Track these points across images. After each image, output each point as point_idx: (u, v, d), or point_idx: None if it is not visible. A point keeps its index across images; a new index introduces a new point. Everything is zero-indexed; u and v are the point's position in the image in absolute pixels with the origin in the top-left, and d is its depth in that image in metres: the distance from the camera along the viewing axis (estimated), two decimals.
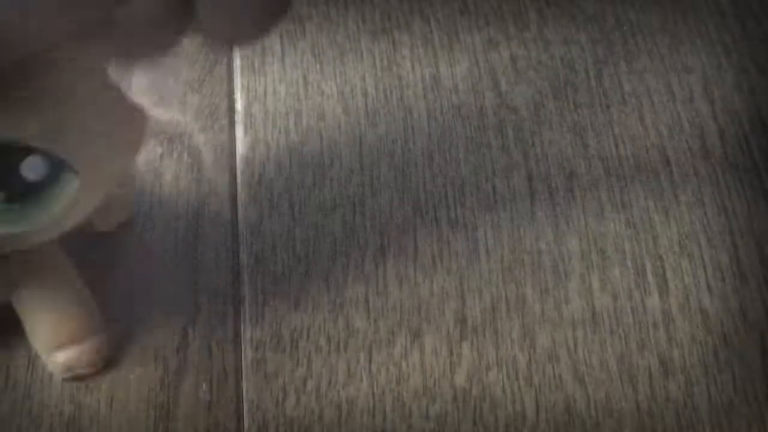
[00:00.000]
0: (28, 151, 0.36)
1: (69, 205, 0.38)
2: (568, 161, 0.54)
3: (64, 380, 0.46)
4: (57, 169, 0.37)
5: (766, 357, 0.48)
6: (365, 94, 0.56)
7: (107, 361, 0.46)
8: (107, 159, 0.39)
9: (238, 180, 0.53)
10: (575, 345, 0.48)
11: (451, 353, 0.48)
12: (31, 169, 0.37)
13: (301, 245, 0.51)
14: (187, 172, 0.53)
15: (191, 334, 0.48)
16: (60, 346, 0.45)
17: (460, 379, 0.47)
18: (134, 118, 0.39)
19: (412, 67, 0.58)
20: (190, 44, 0.58)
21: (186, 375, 0.47)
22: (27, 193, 0.37)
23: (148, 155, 0.54)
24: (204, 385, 0.47)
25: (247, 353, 0.48)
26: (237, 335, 0.48)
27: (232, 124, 0.55)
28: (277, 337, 0.48)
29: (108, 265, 0.50)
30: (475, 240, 0.51)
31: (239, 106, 0.56)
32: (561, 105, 0.55)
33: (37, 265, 0.43)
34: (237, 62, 0.58)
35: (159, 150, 0.54)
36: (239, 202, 0.52)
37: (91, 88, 0.37)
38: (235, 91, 0.57)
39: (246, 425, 0.46)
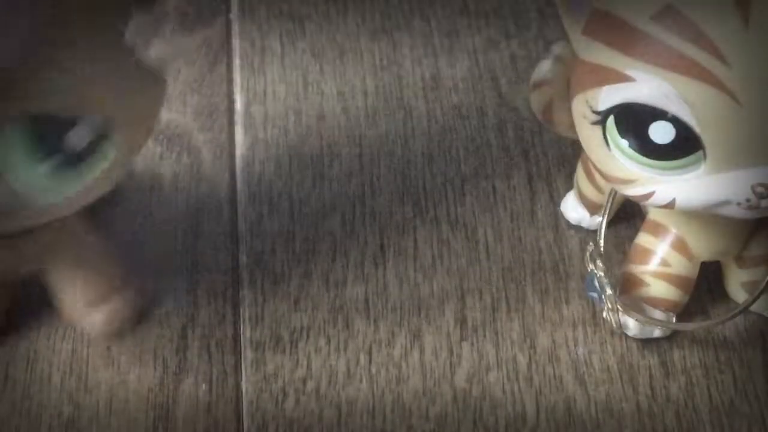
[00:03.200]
0: (73, 120, 0.38)
1: (106, 171, 0.40)
2: (568, 161, 0.54)
3: (104, 338, 0.47)
4: (98, 136, 0.39)
5: (767, 357, 0.48)
6: (365, 94, 0.56)
7: (139, 317, 0.48)
8: (137, 122, 0.41)
9: (238, 180, 0.53)
10: (575, 345, 0.48)
11: (451, 353, 0.48)
12: (78, 137, 0.38)
13: (301, 245, 0.51)
14: (186, 172, 0.53)
15: (191, 334, 0.48)
16: (95, 306, 0.46)
17: (460, 380, 0.47)
18: (153, 78, 0.41)
19: (412, 67, 0.58)
20: (190, 44, 0.58)
21: (186, 375, 0.47)
22: (72, 162, 0.39)
23: (147, 155, 0.54)
24: (204, 385, 0.47)
25: (247, 353, 0.48)
26: (237, 335, 0.48)
27: (231, 124, 0.55)
28: (277, 338, 0.48)
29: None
30: (475, 240, 0.51)
31: (239, 106, 0.56)
32: None
33: (65, 235, 0.45)
34: (236, 62, 0.58)
35: (159, 150, 0.54)
36: (239, 202, 0.52)
37: (118, 54, 0.39)
38: (235, 91, 0.57)
39: (246, 425, 0.46)
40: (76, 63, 0.38)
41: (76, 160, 0.39)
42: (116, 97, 0.39)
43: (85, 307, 0.47)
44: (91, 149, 0.39)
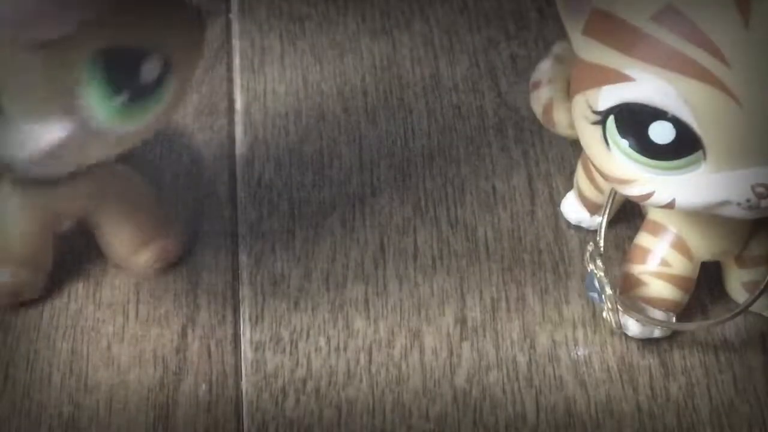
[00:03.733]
0: (146, 54, 0.41)
1: (166, 107, 0.43)
2: (568, 161, 0.54)
3: (154, 270, 0.49)
4: (166, 69, 0.42)
5: (766, 357, 0.48)
6: (365, 94, 0.56)
7: (185, 250, 0.50)
8: (191, 57, 0.44)
9: (238, 180, 0.53)
10: (575, 345, 0.48)
11: (451, 353, 0.48)
12: (150, 70, 0.41)
13: (301, 245, 0.51)
14: (187, 172, 0.53)
15: (191, 334, 0.48)
16: (144, 245, 0.49)
17: (460, 380, 0.47)
18: (200, 16, 0.44)
19: (412, 67, 0.58)
20: None
21: (186, 375, 0.47)
22: (143, 94, 0.42)
23: (147, 155, 0.54)
24: (204, 386, 0.47)
25: (247, 353, 0.48)
26: (237, 335, 0.48)
27: (231, 124, 0.55)
28: (277, 338, 0.48)
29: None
30: (475, 240, 0.51)
31: (239, 105, 0.56)
32: None
33: (113, 178, 0.48)
34: (236, 62, 0.58)
35: (159, 150, 0.54)
36: (239, 202, 0.52)
37: None
38: (235, 90, 0.57)
39: (246, 425, 0.46)
40: (143, 2, 0.41)
41: (145, 93, 0.42)
42: (175, 34, 0.42)
43: (133, 247, 0.49)
44: (156, 84, 0.42)
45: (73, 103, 0.41)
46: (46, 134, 0.41)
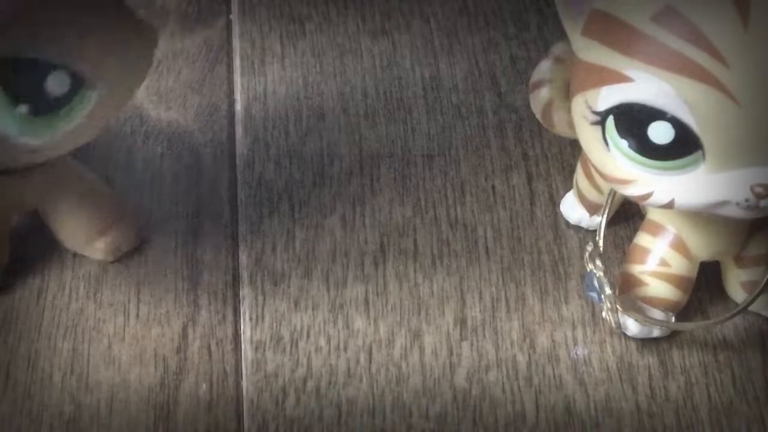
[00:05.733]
0: (52, 67, 0.39)
1: (86, 119, 0.41)
2: (568, 161, 0.54)
3: (110, 262, 0.49)
4: (77, 84, 0.40)
5: (766, 357, 0.48)
6: (365, 94, 0.57)
7: (141, 240, 0.50)
8: (122, 73, 0.42)
9: (238, 180, 0.53)
10: (575, 345, 0.48)
11: (451, 353, 0.48)
12: (56, 84, 0.40)
13: (301, 245, 0.51)
14: (187, 172, 0.53)
15: (191, 334, 0.48)
16: (99, 233, 0.49)
17: (460, 379, 0.47)
18: (143, 32, 0.42)
19: (412, 67, 0.58)
20: (190, 44, 0.58)
21: (186, 375, 0.47)
22: (50, 108, 0.40)
23: (147, 155, 0.54)
24: (204, 385, 0.47)
25: (247, 353, 0.48)
26: (237, 335, 0.48)
27: (232, 124, 0.55)
28: (277, 337, 0.48)
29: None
30: (475, 240, 0.51)
31: (239, 106, 0.56)
32: None
33: (63, 173, 0.47)
34: (237, 62, 0.58)
35: (159, 150, 0.54)
36: (239, 202, 0.52)
37: (107, 5, 0.41)
38: (235, 91, 0.57)
39: (246, 425, 0.46)
40: (61, 11, 0.39)
41: (55, 105, 0.40)
42: (102, 47, 0.40)
43: (88, 237, 0.49)
44: (71, 96, 0.40)
45: None
46: None
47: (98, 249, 0.49)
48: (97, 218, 0.49)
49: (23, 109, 0.40)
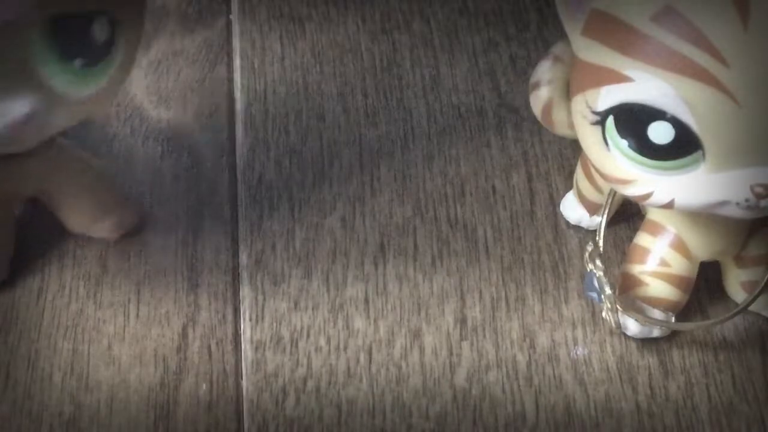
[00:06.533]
0: (94, 16, 0.42)
1: (117, 72, 0.44)
2: (568, 161, 0.54)
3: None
4: (113, 29, 0.43)
5: (765, 357, 0.48)
6: (365, 94, 0.57)
7: (141, 239, 0.51)
8: (136, 15, 0.44)
9: (238, 180, 0.53)
10: (575, 345, 0.48)
11: (451, 353, 0.48)
12: (100, 31, 0.42)
13: (301, 245, 0.51)
14: (187, 172, 0.53)
15: (191, 334, 0.48)
16: (103, 214, 0.50)
17: (460, 379, 0.47)
18: None
19: (412, 67, 0.58)
20: (190, 44, 0.58)
21: (186, 375, 0.47)
22: (98, 57, 0.43)
23: (147, 155, 0.54)
24: (204, 385, 0.47)
25: (247, 353, 0.48)
26: (237, 335, 0.48)
27: (232, 124, 0.55)
28: (277, 337, 0.48)
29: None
30: (475, 240, 0.51)
31: (239, 106, 0.56)
32: None
33: (59, 158, 0.48)
34: (237, 62, 0.58)
35: (159, 150, 0.54)
36: (239, 202, 0.52)
37: None
38: (235, 91, 0.57)
39: (246, 425, 0.46)
40: None
41: (98, 56, 0.42)
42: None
43: (91, 219, 0.50)
44: (110, 43, 0.43)
45: (31, 77, 0.41)
46: (10, 111, 0.41)
47: (103, 228, 0.50)
48: (99, 199, 0.50)
49: (78, 62, 0.42)
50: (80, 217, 0.50)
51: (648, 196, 0.43)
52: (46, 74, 0.41)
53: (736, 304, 0.48)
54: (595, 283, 0.46)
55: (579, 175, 0.51)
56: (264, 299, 0.49)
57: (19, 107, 0.41)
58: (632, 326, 0.47)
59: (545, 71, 0.50)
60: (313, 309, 0.49)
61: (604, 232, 0.48)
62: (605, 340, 0.48)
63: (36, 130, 0.43)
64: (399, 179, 0.53)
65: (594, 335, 0.48)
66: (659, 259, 0.47)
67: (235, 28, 0.59)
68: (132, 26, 0.44)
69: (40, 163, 0.47)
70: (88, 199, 0.50)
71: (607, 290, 0.46)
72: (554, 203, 0.52)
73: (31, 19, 0.40)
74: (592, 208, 0.51)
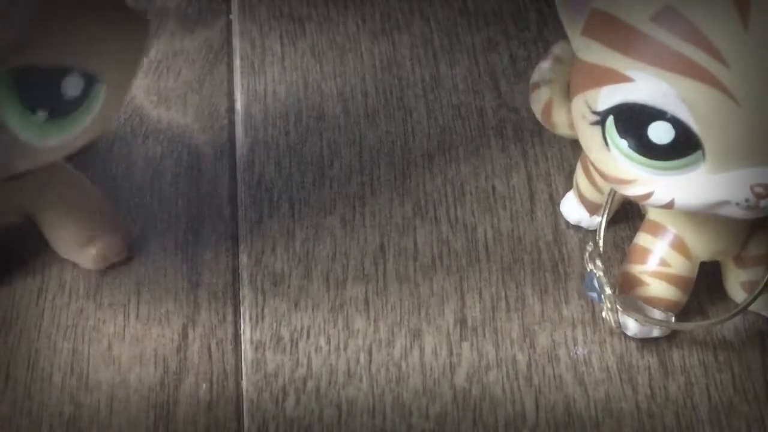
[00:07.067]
0: (66, 70, 0.41)
1: (98, 117, 0.43)
2: (568, 161, 0.54)
3: (99, 272, 0.49)
4: (89, 83, 0.42)
5: (765, 357, 0.48)
6: (365, 94, 0.57)
7: (131, 252, 0.50)
8: (124, 65, 0.43)
9: (238, 180, 0.53)
10: (575, 345, 0.48)
11: (451, 353, 0.48)
12: (72, 86, 0.41)
13: (301, 245, 0.51)
14: (187, 172, 0.53)
15: (191, 334, 0.48)
16: (89, 242, 0.49)
17: (460, 379, 0.47)
18: (139, 24, 0.44)
19: (412, 67, 0.58)
20: (190, 44, 0.58)
21: (186, 375, 0.47)
22: (67, 109, 0.42)
23: (148, 155, 0.54)
24: (204, 385, 0.47)
25: (247, 353, 0.48)
26: (237, 335, 0.48)
27: (232, 124, 0.55)
28: (277, 337, 0.48)
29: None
30: (475, 240, 0.51)
31: (239, 106, 0.56)
32: None
33: (54, 179, 0.48)
34: (237, 63, 0.58)
35: (159, 150, 0.54)
36: (239, 202, 0.52)
37: (102, 3, 0.42)
38: (235, 91, 0.57)
39: (246, 425, 0.46)
40: (69, 17, 0.40)
41: (69, 108, 0.41)
42: (104, 44, 0.41)
43: (77, 243, 0.49)
44: (85, 95, 0.41)
45: None
46: None
47: (86, 257, 0.49)
48: (85, 227, 0.49)
49: (42, 114, 0.41)
50: (67, 244, 0.49)
51: (648, 196, 0.43)
52: (7, 122, 0.40)
53: (736, 304, 0.48)
54: (595, 283, 0.46)
55: (579, 175, 0.51)
56: (264, 299, 0.49)
57: None
58: (632, 326, 0.47)
59: (545, 71, 0.50)
60: (313, 309, 0.49)
61: (604, 232, 0.48)
62: (605, 340, 0.48)
63: (3, 172, 0.42)
64: (399, 179, 0.53)
65: (594, 335, 0.48)
66: (659, 259, 0.47)
67: (235, 28, 0.59)
68: (119, 75, 0.43)
69: (32, 187, 0.47)
70: (76, 227, 0.49)
71: (607, 290, 0.46)
72: (554, 203, 0.53)
73: None
74: (592, 208, 0.51)
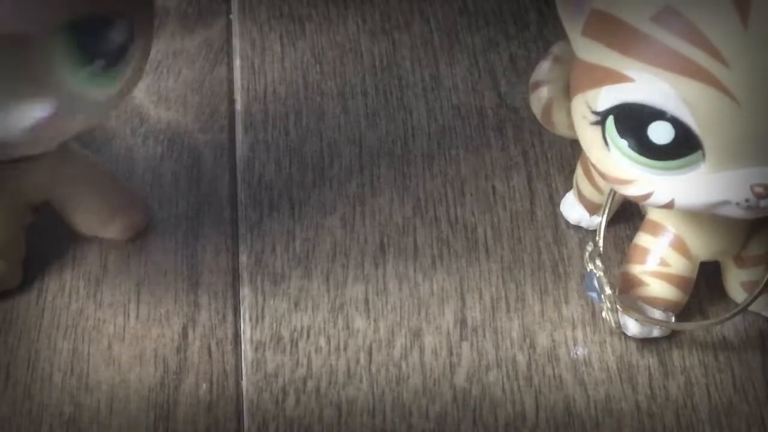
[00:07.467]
0: (113, 20, 0.43)
1: (133, 73, 0.45)
2: (568, 161, 0.54)
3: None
4: (131, 32, 0.43)
5: (766, 357, 0.48)
6: (365, 94, 0.57)
7: (141, 240, 0.51)
8: (148, 26, 0.45)
9: (238, 180, 0.53)
10: (575, 345, 0.48)
11: (451, 353, 0.48)
12: (119, 33, 0.43)
13: (301, 245, 0.51)
14: (187, 172, 0.53)
15: (191, 334, 0.48)
16: (113, 214, 0.50)
17: (460, 379, 0.47)
18: None
19: (412, 67, 0.58)
20: (190, 44, 0.58)
21: (186, 375, 0.47)
22: (117, 58, 0.43)
23: (148, 155, 0.54)
24: (204, 385, 0.47)
25: (247, 353, 0.48)
26: (237, 335, 0.48)
27: (232, 124, 0.55)
28: (277, 337, 0.48)
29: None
30: (475, 240, 0.51)
31: (239, 106, 0.56)
32: None
33: (67, 162, 0.48)
34: (237, 63, 0.58)
35: (159, 150, 0.54)
36: (239, 203, 0.52)
37: None
38: (235, 91, 0.57)
39: (246, 425, 0.46)
40: None
41: (116, 58, 0.43)
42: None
43: (101, 220, 0.50)
44: (128, 44, 0.43)
45: (54, 80, 0.42)
46: (34, 113, 0.42)
47: (113, 230, 0.50)
48: (107, 200, 0.50)
49: (99, 63, 0.43)
50: (91, 219, 0.50)
51: (648, 196, 0.43)
52: (68, 76, 0.42)
53: (736, 304, 0.48)
54: (595, 283, 0.46)
55: (579, 175, 0.51)
56: (264, 299, 0.49)
57: (42, 109, 0.42)
58: (632, 326, 0.47)
59: (545, 71, 0.50)
60: (313, 309, 0.49)
61: (604, 232, 0.48)
62: (605, 340, 0.48)
63: (57, 132, 0.44)
64: (399, 179, 0.53)
65: (594, 335, 0.48)
66: (659, 259, 0.47)
67: (235, 28, 0.59)
68: (145, 28, 0.44)
69: (50, 167, 0.48)
70: (98, 201, 0.50)
71: (607, 290, 0.46)
72: (554, 203, 0.53)
73: (51, 25, 0.41)
74: (592, 208, 0.51)
